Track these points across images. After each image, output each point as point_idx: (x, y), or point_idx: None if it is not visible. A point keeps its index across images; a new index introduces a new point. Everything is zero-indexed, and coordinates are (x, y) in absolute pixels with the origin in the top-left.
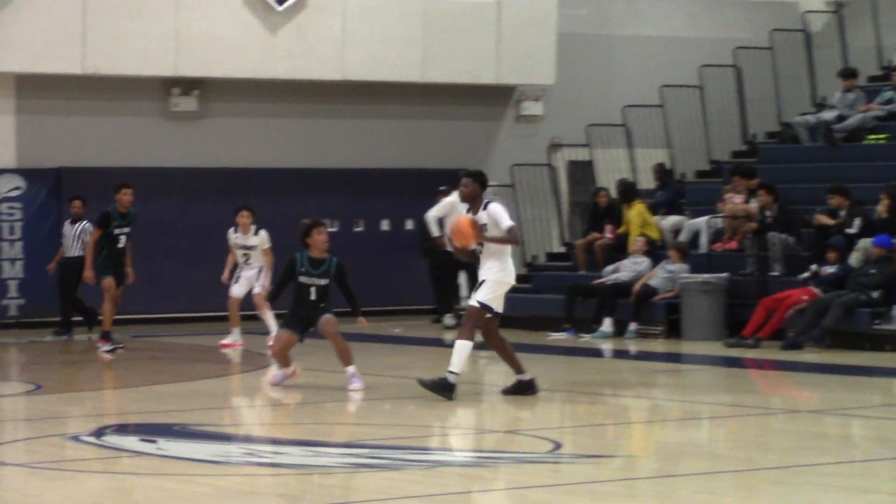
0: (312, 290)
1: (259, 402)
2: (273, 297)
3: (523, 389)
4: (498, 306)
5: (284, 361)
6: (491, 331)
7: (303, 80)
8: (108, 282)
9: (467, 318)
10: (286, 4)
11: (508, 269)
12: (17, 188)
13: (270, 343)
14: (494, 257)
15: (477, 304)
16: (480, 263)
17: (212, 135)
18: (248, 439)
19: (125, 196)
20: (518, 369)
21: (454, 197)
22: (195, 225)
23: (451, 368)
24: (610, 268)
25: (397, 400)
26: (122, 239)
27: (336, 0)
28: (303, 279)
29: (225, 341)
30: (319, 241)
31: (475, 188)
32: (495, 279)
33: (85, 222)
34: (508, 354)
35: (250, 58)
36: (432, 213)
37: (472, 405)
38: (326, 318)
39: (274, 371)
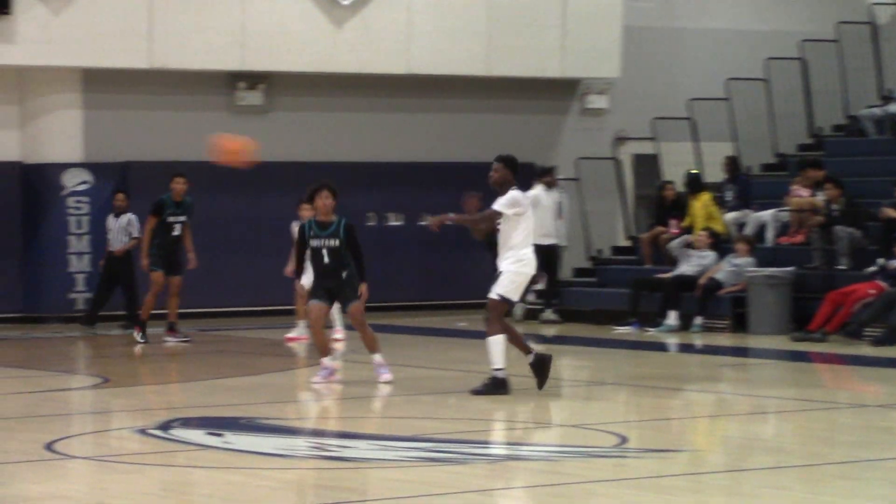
0: (324, 252)
1: (325, 396)
2: (298, 271)
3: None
4: (516, 297)
5: (324, 346)
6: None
7: (368, 73)
8: (157, 275)
9: (490, 313)
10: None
11: (526, 259)
12: (84, 182)
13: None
14: (511, 248)
15: (497, 297)
16: (499, 254)
17: (277, 129)
18: (313, 433)
19: (178, 185)
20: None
21: (537, 190)
22: (260, 218)
23: (494, 367)
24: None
25: (462, 394)
26: (177, 227)
27: None
28: (314, 243)
29: (290, 335)
30: (322, 206)
31: (505, 173)
32: (514, 270)
33: (130, 215)
34: (516, 339)
35: (316, 52)
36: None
37: (536, 399)
38: (355, 307)
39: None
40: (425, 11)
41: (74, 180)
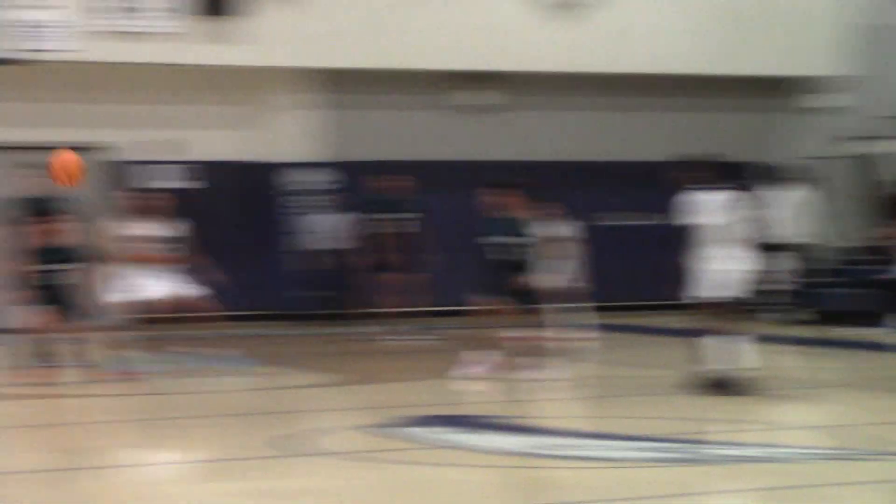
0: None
1: (558, 395)
2: None
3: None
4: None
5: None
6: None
7: (596, 72)
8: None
9: (725, 313)
10: None
11: (750, 257)
12: (324, 181)
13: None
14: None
15: (731, 297)
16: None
17: (511, 128)
18: (548, 432)
19: (388, 183)
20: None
21: (777, 189)
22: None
23: (741, 367)
24: None
25: (694, 395)
26: (389, 224)
27: None
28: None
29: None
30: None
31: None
32: (740, 268)
33: (343, 214)
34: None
35: (545, 51)
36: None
37: (769, 400)
38: None
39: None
40: (671, 8)
41: (315, 179)
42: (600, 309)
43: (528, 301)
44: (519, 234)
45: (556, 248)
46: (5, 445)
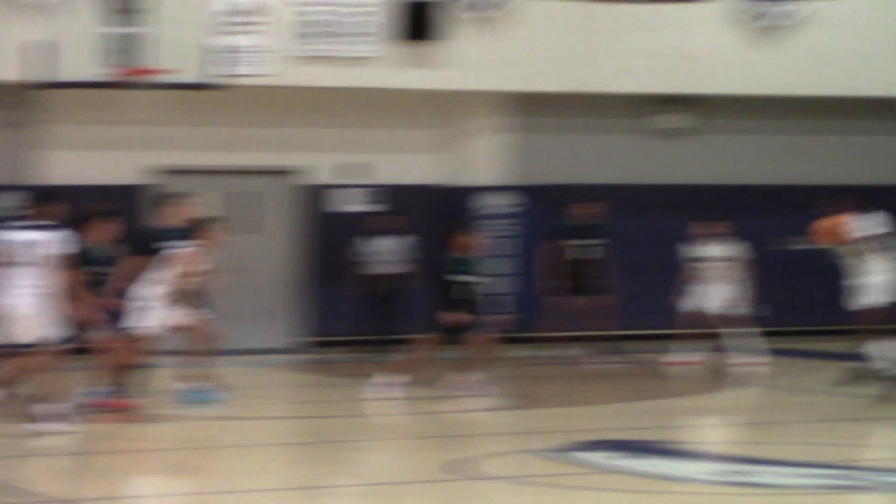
0: None
1: (726, 421)
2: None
3: None
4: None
5: None
6: None
7: (794, 95)
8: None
9: None
10: (780, 21)
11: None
12: (515, 205)
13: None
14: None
15: None
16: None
17: (703, 152)
18: (720, 457)
19: (581, 208)
20: None
21: None
22: (685, 242)
23: None
24: None
25: (866, 421)
26: (580, 249)
27: (835, 15)
28: None
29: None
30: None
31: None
32: None
33: (409, 237)
34: None
35: (742, 74)
36: None
37: None
38: None
39: None
40: (863, 31)
41: (506, 202)
42: (774, 333)
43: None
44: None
45: (724, 270)
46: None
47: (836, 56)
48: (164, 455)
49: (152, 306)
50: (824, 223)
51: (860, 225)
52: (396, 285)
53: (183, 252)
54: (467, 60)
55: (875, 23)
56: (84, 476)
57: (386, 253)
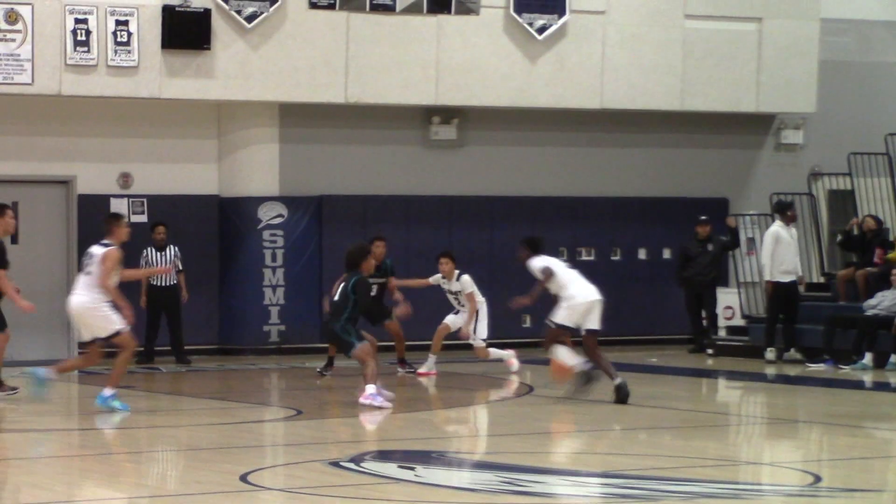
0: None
1: (513, 430)
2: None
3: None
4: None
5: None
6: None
7: (562, 108)
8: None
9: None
10: (546, 33)
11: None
12: (279, 215)
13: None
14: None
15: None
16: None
17: (471, 163)
18: (504, 467)
19: (378, 248)
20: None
21: (776, 226)
22: (453, 252)
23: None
24: (872, 301)
25: (653, 430)
26: (374, 289)
27: (596, 28)
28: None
29: (422, 370)
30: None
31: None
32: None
33: (175, 248)
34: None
35: (510, 86)
36: (766, 252)
37: (728, 436)
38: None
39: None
40: (620, 46)
41: (270, 213)
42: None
43: None
44: None
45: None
46: None
47: (600, 69)
48: None
49: None
50: None
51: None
52: (166, 296)
53: None
54: (230, 71)
55: (640, 39)
56: None
57: (161, 263)
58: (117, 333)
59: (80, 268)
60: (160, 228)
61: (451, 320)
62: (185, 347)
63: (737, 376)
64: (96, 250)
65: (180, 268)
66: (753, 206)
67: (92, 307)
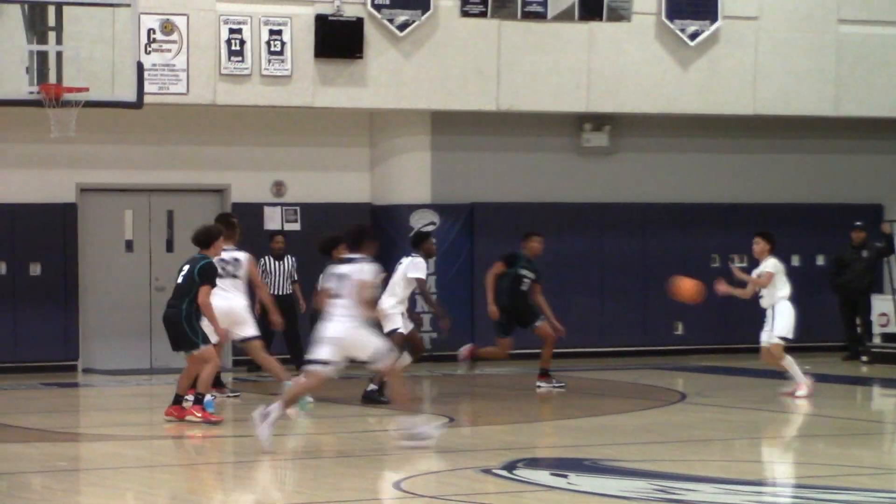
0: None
1: (666, 438)
2: None
3: None
4: None
5: None
6: None
7: (714, 114)
8: (543, 326)
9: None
10: (698, 39)
11: None
12: (431, 223)
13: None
14: None
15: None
16: None
17: (623, 170)
18: (659, 475)
19: (535, 244)
20: None
21: None
22: (606, 259)
23: None
24: None
25: (808, 437)
26: (526, 283)
27: (748, 34)
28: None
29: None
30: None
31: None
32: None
33: (292, 258)
34: None
35: (662, 93)
36: None
37: (884, 445)
38: None
39: None
40: (772, 52)
41: (422, 221)
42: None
43: None
44: None
45: None
46: None
47: (753, 75)
48: None
49: None
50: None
51: None
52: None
53: None
54: (382, 79)
55: (793, 44)
56: None
57: (279, 273)
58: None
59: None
60: (279, 238)
61: None
62: None
63: (892, 384)
64: (241, 256)
65: (295, 278)
66: None
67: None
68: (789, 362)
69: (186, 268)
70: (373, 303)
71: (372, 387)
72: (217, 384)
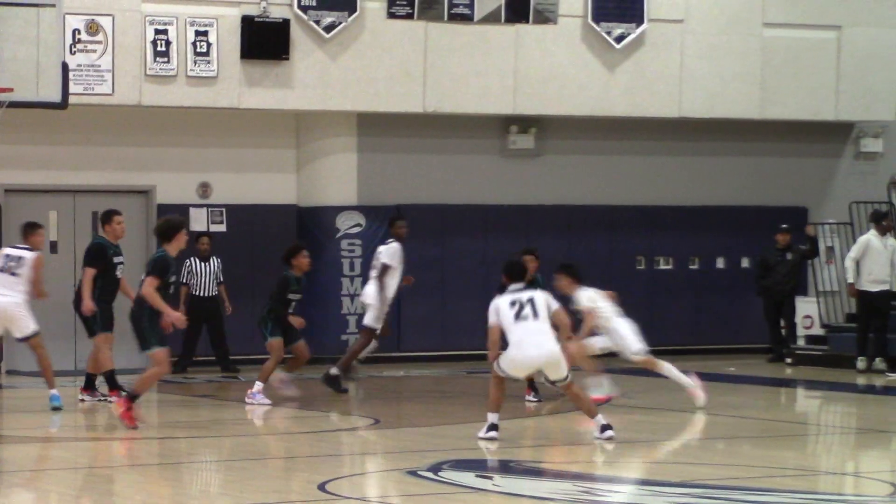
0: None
1: (592, 440)
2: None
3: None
4: None
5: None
6: None
7: (640, 117)
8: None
9: None
10: (624, 42)
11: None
12: (357, 225)
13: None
14: None
15: None
16: None
17: (549, 172)
18: (582, 477)
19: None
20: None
21: (869, 235)
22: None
23: None
24: None
25: (731, 439)
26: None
27: (674, 37)
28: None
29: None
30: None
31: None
32: None
33: (217, 259)
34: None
35: (588, 95)
36: (851, 256)
37: (808, 446)
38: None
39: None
40: (698, 55)
41: (348, 223)
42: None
43: None
44: None
45: None
46: None
47: (679, 78)
48: None
49: None
50: None
51: None
52: (206, 307)
53: None
54: (308, 81)
55: (719, 48)
56: None
57: (205, 275)
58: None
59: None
60: (204, 239)
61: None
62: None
63: (816, 386)
64: (25, 254)
65: (221, 280)
66: (833, 214)
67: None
68: (667, 368)
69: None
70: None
71: (334, 371)
72: (89, 386)
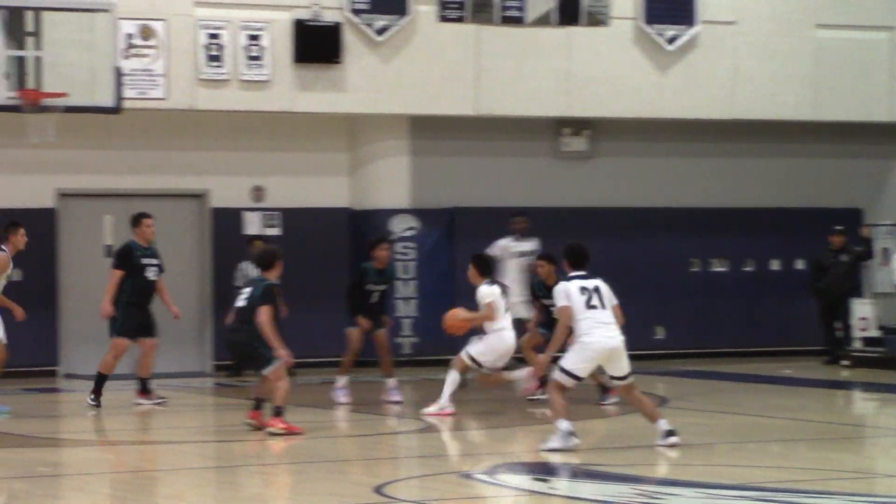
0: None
1: (650, 443)
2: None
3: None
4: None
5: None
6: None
7: (692, 119)
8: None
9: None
10: (676, 44)
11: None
12: (411, 228)
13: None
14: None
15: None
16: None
17: (601, 174)
18: (640, 480)
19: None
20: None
21: None
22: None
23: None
24: None
25: (788, 442)
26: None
27: (727, 39)
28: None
29: None
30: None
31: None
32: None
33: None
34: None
35: (640, 97)
36: None
37: (865, 449)
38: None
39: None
40: (751, 56)
41: (401, 226)
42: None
43: None
44: None
45: None
46: None
47: (731, 79)
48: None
49: None
50: None
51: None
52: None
53: None
54: (361, 84)
55: (772, 48)
56: None
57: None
58: None
59: None
60: (258, 243)
61: None
62: (319, 360)
63: (873, 388)
64: None
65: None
66: (888, 215)
67: None
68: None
69: (248, 290)
70: None
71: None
72: (144, 390)
